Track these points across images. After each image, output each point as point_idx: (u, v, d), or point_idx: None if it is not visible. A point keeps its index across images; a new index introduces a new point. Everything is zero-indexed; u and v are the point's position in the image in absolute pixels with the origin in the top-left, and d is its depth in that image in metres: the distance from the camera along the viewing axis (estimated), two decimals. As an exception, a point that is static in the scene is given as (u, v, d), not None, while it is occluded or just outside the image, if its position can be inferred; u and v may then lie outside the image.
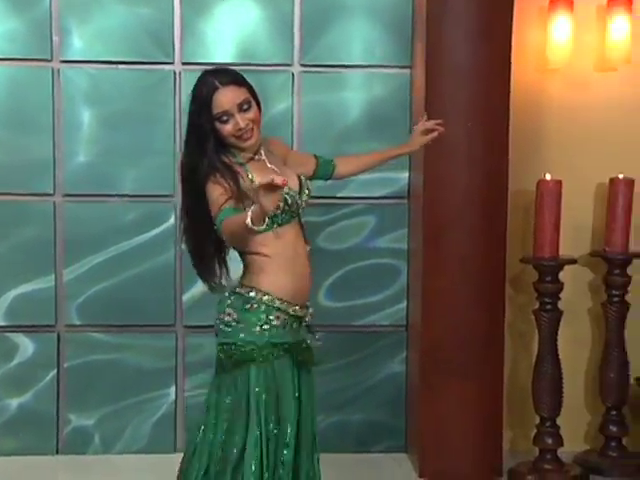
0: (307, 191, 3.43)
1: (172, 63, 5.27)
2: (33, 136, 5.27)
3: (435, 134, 3.84)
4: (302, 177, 3.46)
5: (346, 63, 5.33)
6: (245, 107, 3.27)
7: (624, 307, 5.17)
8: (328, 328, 5.27)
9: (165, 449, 5.39)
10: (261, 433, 3.23)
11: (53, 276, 5.32)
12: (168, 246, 5.33)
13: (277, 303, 3.28)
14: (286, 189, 3.20)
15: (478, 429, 5.03)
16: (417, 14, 5.21)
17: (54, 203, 5.32)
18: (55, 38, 5.22)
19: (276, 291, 3.29)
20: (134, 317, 5.40)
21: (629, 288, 5.18)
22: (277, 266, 3.30)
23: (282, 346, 3.31)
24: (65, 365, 5.37)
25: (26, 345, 5.35)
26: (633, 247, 5.18)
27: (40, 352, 5.35)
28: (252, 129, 3.30)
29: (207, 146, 3.28)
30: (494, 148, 4.96)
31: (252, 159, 3.35)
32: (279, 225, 3.27)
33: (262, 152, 3.40)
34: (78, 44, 5.25)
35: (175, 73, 5.28)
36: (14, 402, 5.36)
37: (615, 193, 5.11)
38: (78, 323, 5.36)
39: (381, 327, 5.47)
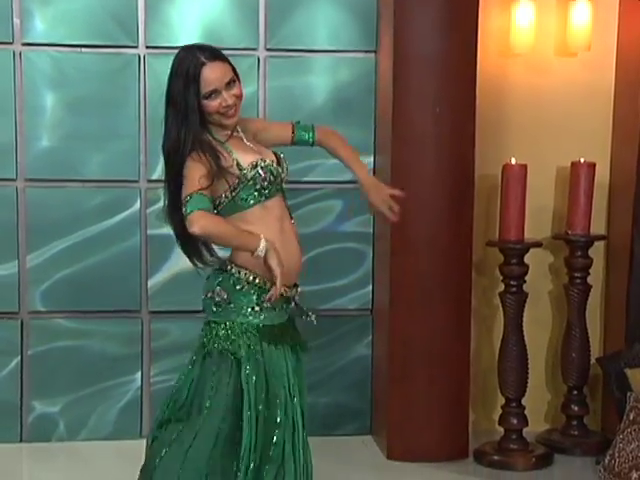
0: (286, 165, 3.46)
1: (136, 47, 5.27)
2: None
3: (385, 212, 3.68)
4: (280, 154, 3.47)
5: (311, 48, 5.39)
6: (231, 84, 3.29)
7: (586, 289, 5.29)
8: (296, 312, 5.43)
9: (131, 435, 5.39)
10: (250, 415, 3.25)
11: (16, 262, 5.30)
12: (133, 231, 5.35)
13: (267, 285, 3.26)
14: (268, 161, 3.31)
15: (444, 410, 5.13)
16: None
17: (16, 188, 5.30)
18: (16, 20, 5.19)
19: (264, 272, 3.26)
20: (99, 303, 5.40)
21: (590, 270, 5.29)
22: None
23: (273, 328, 3.32)
24: (29, 352, 5.36)
25: None
26: (594, 230, 5.30)
27: (3, 339, 5.34)
28: (236, 105, 3.30)
29: (193, 123, 3.26)
30: (461, 133, 5.03)
31: (231, 137, 3.36)
32: (267, 198, 3.30)
33: (239, 129, 3.41)
34: (40, 27, 5.22)
35: (140, 57, 5.28)
36: None
37: (577, 177, 5.21)
38: (42, 309, 5.36)
39: (347, 311, 5.55)
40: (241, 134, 3.41)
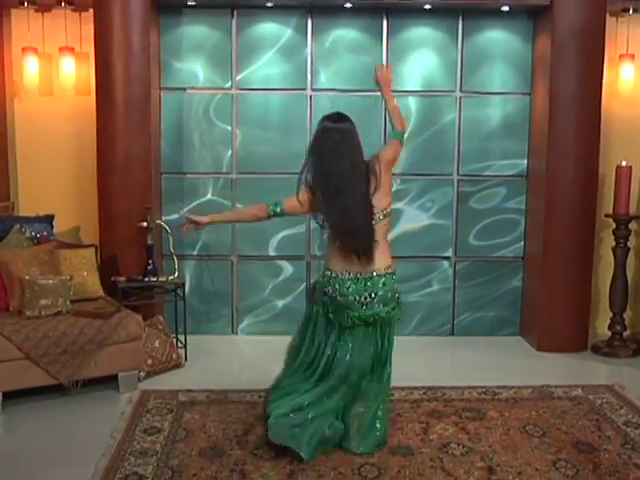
0: None
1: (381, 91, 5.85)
2: (295, 136, 5.80)
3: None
4: None
5: (489, 91, 5.84)
6: None
7: None
8: (474, 258, 5.99)
9: None
10: None
11: (304, 225, 5.89)
12: None
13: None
14: None
15: (574, 319, 5.67)
16: (537, 60, 5.69)
17: None
18: (309, 76, 5.79)
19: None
20: None
21: None
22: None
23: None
24: (312, 280, 5.80)
25: (287, 268, 5.98)
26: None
27: (296, 272, 5.98)
28: None
29: None
30: (590, 145, 5.49)
31: None
32: None
33: None
34: (323, 79, 5.82)
35: (382, 97, 5.57)
36: (280, 302, 6.00)
37: None
38: (319, 254, 5.78)
39: (507, 258, 6.02)
40: None
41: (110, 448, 3.97)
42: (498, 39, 5.83)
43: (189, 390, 4.79)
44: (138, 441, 4.07)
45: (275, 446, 3.79)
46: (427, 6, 5.64)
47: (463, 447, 4.00)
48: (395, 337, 3.93)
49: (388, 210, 3.82)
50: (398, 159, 3.99)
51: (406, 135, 3.97)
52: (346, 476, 3.69)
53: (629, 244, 5.70)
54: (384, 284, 3.77)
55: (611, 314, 5.77)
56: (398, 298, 3.88)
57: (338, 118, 3.78)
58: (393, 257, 3.88)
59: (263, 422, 4.07)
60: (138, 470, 3.73)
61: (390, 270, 3.80)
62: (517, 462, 3.85)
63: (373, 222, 3.74)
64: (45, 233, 5.27)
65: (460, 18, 5.81)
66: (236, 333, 6.03)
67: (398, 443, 4.05)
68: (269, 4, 5.65)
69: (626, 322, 5.79)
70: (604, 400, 4.68)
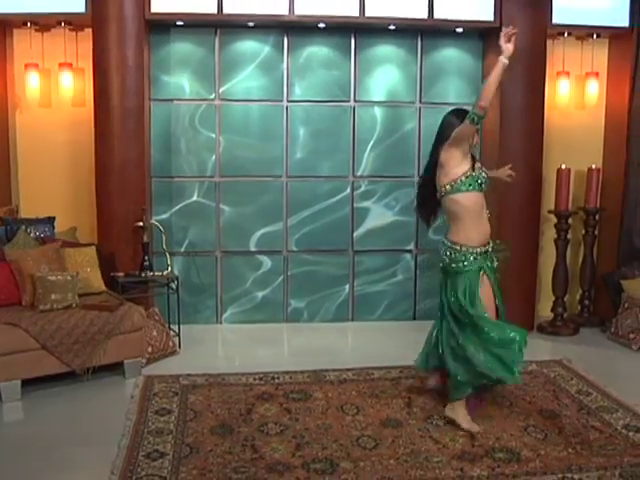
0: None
1: (349, 101, 5.86)
2: (273, 143, 5.83)
3: (509, 180, 4.32)
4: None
5: (445, 102, 5.83)
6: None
7: (594, 237, 6.02)
8: (434, 251, 5.84)
9: (343, 320, 6.04)
10: None
11: (282, 222, 5.92)
12: (346, 205, 5.95)
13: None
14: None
15: (522, 303, 5.73)
16: (487, 75, 5.66)
17: (283, 182, 5.91)
18: (285, 88, 5.81)
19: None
20: (326, 245, 5.98)
21: (597, 227, 6.03)
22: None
23: None
24: (288, 273, 5.99)
25: (267, 262, 5.97)
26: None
27: (274, 266, 5.98)
28: None
29: None
30: (535, 151, 5.65)
31: None
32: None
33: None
34: (298, 91, 5.84)
35: (351, 107, 5.87)
36: (260, 294, 5.99)
37: (591, 176, 5.88)
38: (295, 249, 5.98)
39: None
40: None
41: (128, 429, 3.96)
42: (453, 56, 5.94)
43: (188, 374, 4.78)
44: (152, 422, 4.06)
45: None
46: (391, 27, 5.72)
47: (445, 418, 4.10)
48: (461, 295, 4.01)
49: (443, 189, 3.90)
50: (466, 138, 3.82)
51: (478, 111, 3.69)
52: (347, 447, 3.76)
53: (568, 237, 5.88)
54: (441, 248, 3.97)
55: (553, 298, 5.94)
56: (444, 263, 3.97)
57: (450, 112, 4.01)
58: (458, 230, 3.96)
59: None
60: (158, 448, 3.73)
61: (445, 240, 3.95)
62: (493, 429, 3.98)
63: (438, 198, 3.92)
64: (48, 233, 5.19)
65: (419, 38, 5.90)
66: (220, 322, 5.99)
67: (387, 417, 4.14)
68: (250, 24, 5.64)
69: (566, 305, 5.97)
70: (556, 373, 4.84)
